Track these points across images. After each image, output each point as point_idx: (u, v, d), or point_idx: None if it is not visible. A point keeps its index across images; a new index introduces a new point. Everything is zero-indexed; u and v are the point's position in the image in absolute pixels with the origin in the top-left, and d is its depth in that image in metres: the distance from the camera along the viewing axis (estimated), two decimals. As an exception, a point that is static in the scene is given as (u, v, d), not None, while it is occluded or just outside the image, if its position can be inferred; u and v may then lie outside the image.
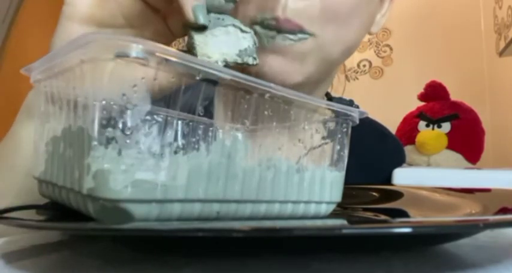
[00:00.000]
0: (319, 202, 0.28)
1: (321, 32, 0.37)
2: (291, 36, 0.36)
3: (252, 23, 0.37)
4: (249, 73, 0.38)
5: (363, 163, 0.50)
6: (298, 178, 0.26)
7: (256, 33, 0.36)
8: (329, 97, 0.58)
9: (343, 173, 0.29)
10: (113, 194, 0.19)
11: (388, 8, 0.46)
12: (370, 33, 0.46)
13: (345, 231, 0.17)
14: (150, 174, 0.19)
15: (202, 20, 0.27)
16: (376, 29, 0.46)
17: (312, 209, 0.28)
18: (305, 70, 0.39)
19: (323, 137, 0.28)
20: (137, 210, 0.19)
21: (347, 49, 0.42)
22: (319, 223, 0.27)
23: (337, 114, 0.27)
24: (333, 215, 0.30)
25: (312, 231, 0.18)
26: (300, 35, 0.37)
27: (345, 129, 0.28)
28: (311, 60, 0.39)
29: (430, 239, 0.23)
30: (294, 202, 0.26)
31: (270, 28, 0.36)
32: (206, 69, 0.21)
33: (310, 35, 0.37)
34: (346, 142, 0.28)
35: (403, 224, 0.25)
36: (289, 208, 0.26)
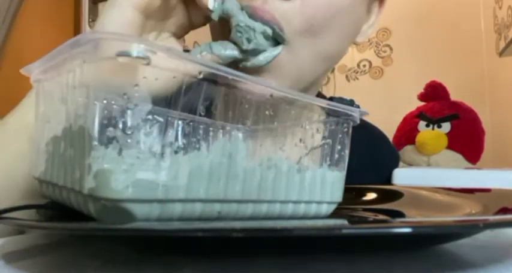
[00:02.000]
0: (320, 202, 0.28)
1: (296, 39, 0.36)
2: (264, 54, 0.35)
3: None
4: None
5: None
6: (299, 178, 0.26)
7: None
8: (327, 98, 0.57)
9: (343, 173, 0.29)
10: (114, 194, 0.19)
11: (376, 19, 0.44)
12: (355, 43, 0.44)
13: (345, 231, 0.17)
14: (151, 174, 0.19)
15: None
16: (362, 39, 0.44)
17: (313, 209, 0.28)
18: (283, 84, 0.37)
19: (324, 137, 0.28)
20: (138, 210, 0.20)
21: (326, 59, 0.40)
22: (319, 223, 0.27)
23: (338, 113, 0.28)
24: (333, 215, 0.30)
25: (312, 231, 0.18)
26: (271, 50, 0.35)
27: (346, 129, 0.28)
28: (287, 73, 0.37)
29: (430, 239, 0.23)
30: (294, 202, 0.26)
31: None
32: (208, 69, 0.21)
33: (283, 42, 0.35)
34: (347, 142, 0.28)
35: (403, 224, 0.25)
36: (290, 208, 0.26)
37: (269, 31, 0.33)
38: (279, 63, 0.36)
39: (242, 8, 0.33)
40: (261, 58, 0.34)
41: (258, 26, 0.33)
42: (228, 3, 0.32)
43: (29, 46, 1.60)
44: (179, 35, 0.36)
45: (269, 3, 0.34)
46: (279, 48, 0.35)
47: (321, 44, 0.38)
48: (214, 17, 0.32)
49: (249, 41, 0.33)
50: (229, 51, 0.33)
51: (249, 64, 0.34)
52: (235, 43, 0.33)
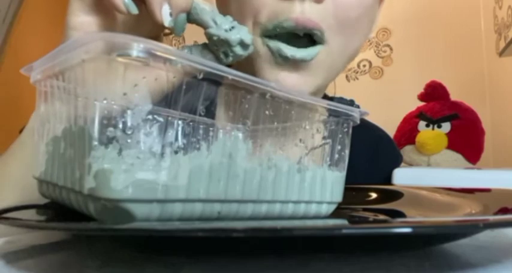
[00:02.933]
0: (320, 202, 0.28)
1: (332, 39, 0.37)
2: (304, 53, 0.36)
3: (262, 35, 0.37)
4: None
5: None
6: (299, 178, 0.26)
7: (267, 47, 0.37)
8: (329, 98, 0.58)
9: (344, 174, 0.29)
10: (114, 194, 0.19)
11: (378, 15, 0.46)
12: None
13: (345, 231, 0.17)
14: (151, 174, 0.19)
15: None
16: (371, 35, 0.46)
17: (313, 209, 0.28)
18: (316, 82, 0.39)
19: (324, 137, 0.28)
20: (138, 210, 0.19)
21: (351, 57, 0.43)
22: (319, 223, 0.27)
23: (338, 113, 0.28)
24: (333, 215, 0.30)
25: (312, 231, 0.18)
26: (312, 48, 0.36)
27: (346, 129, 0.28)
28: (321, 71, 0.39)
29: (430, 239, 0.23)
30: (295, 202, 0.26)
31: (286, 31, 0.36)
32: (208, 69, 0.21)
33: (323, 43, 0.37)
34: (347, 142, 0.28)
35: (403, 224, 0.25)
36: (290, 208, 0.26)
37: (247, 39, 0.30)
38: (318, 61, 0.37)
39: (214, 17, 0.30)
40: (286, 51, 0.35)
41: (233, 38, 0.30)
42: (194, 15, 0.29)
43: (29, 46, 1.60)
44: (157, 33, 0.34)
45: (306, 11, 0.35)
46: (318, 47, 0.36)
47: (350, 42, 0.40)
48: (177, 34, 0.30)
49: (226, 55, 0.31)
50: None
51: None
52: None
